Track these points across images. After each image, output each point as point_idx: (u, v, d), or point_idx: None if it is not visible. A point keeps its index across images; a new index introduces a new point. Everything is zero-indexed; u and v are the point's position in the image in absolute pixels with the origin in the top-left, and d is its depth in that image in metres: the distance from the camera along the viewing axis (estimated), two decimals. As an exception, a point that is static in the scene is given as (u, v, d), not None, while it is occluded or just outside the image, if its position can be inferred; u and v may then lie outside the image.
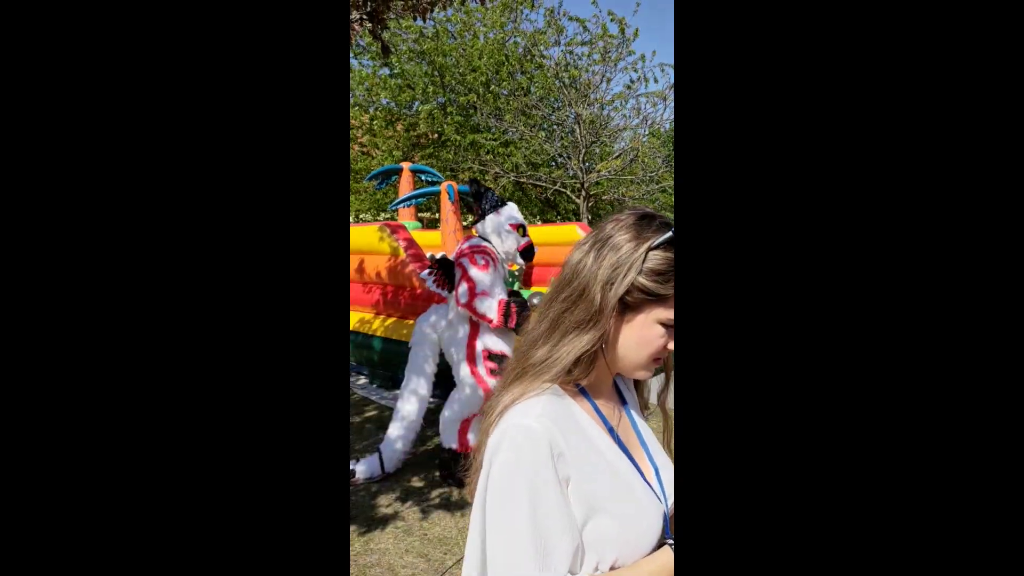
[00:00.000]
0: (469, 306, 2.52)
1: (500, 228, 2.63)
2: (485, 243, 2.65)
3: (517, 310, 2.53)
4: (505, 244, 2.64)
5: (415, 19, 2.16)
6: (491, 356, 2.59)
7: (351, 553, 2.04)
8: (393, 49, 8.99)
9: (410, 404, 2.73)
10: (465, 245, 2.67)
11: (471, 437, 2.64)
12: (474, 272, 2.53)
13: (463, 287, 2.53)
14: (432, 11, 2.18)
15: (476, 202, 2.73)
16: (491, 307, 2.51)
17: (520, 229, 2.65)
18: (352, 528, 2.22)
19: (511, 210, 2.66)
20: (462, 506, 2.43)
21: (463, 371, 2.58)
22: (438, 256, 6.27)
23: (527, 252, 2.67)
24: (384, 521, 2.29)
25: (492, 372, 2.58)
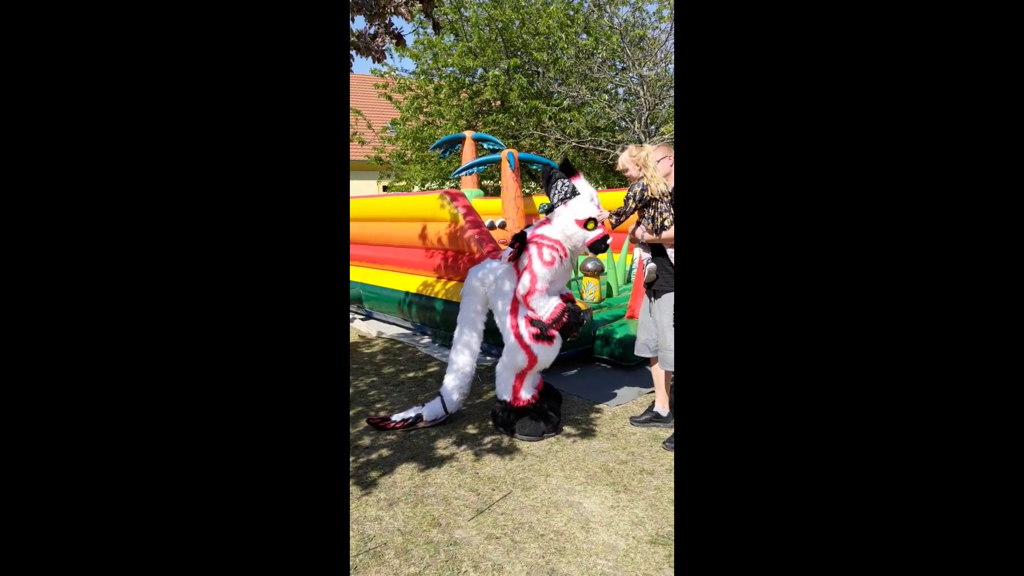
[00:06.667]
0: (526, 299, 2.65)
1: (567, 225, 2.61)
2: (556, 238, 2.65)
3: (568, 319, 2.61)
4: (572, 240, 2.62)
5: None
6: (534, 322, 2.69)
7: (412, 485, 2.31)
8: (444, 25, 9.03)
9: (463, 356, 2.93)
10: (541, 230, 2.69)
11: (524, 394, 2.80)
12: (537, 266, 2.61)
13: (525, 278, 2.63)
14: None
15: (545, 190, 2.67)
16: (545, 308, 2.64)
17: (590, 223, 2.57)
18: (413, 466, 2.49)
19: (578, 204, 2.59)
20: (511, 451, 2.65)
21: (507, 323, 2.75)
22: (498, 223, 6.46)
23: (597, 246, 2.58)
24: (441, 461, 2.55)
25: (536, 337, 2.67)
